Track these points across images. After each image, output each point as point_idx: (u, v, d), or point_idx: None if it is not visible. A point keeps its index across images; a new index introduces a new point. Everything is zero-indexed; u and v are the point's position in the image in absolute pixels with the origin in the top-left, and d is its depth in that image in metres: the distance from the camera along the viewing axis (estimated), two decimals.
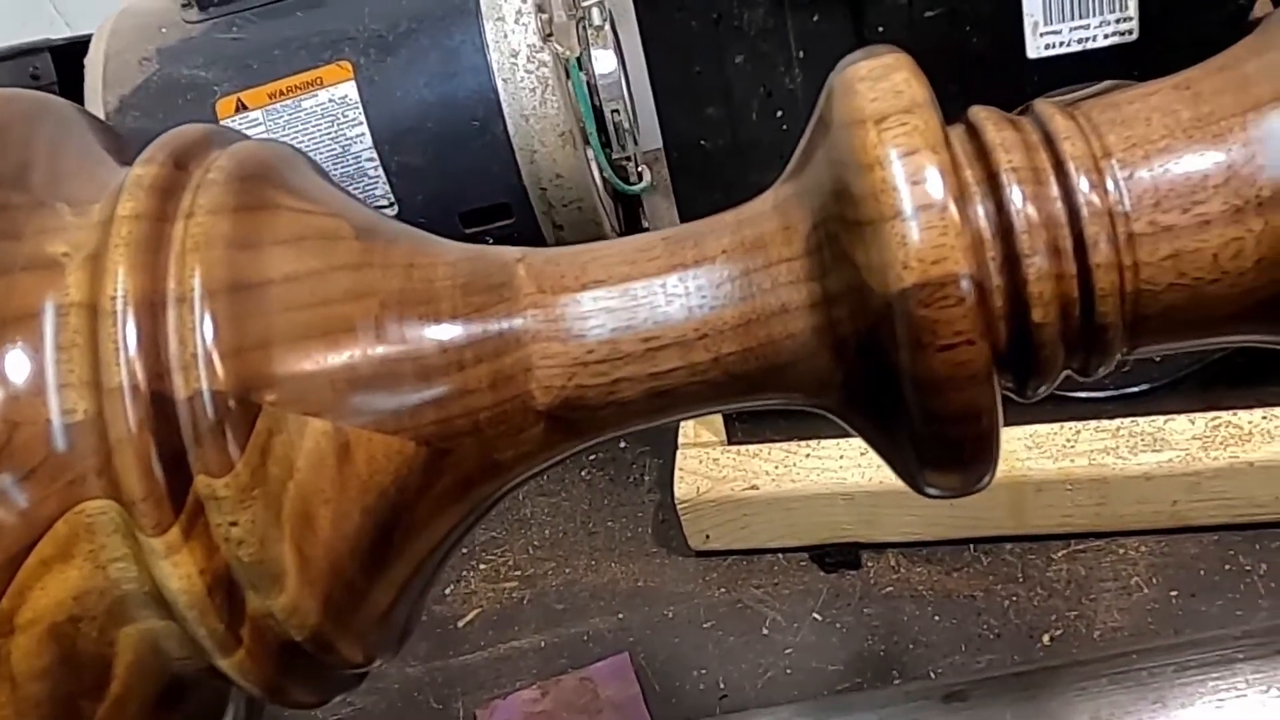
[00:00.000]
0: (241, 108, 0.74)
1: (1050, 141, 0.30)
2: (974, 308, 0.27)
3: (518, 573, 0.74)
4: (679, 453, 0.70)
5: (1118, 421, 0.64)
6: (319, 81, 0.74)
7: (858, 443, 0.63)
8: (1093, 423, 0.64)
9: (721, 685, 0.66)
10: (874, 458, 0.65)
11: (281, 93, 0.74)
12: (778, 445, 0.68)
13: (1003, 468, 0.63)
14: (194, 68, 0.75)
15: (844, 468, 0.66)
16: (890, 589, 0.68)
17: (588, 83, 0.75)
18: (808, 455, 0.67)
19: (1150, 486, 0.63)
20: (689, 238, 0.31)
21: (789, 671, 0.65)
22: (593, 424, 0.32)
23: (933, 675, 0.63)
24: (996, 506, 0.65)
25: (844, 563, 0.69)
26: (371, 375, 0.30)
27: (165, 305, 0.28)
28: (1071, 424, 0.65)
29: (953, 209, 0.27)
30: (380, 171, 0.74)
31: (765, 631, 0.67)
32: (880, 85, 0.29)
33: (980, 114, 0.31)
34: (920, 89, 0.29)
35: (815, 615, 0.68)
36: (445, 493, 0.31)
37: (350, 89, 0.74)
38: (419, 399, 0.30)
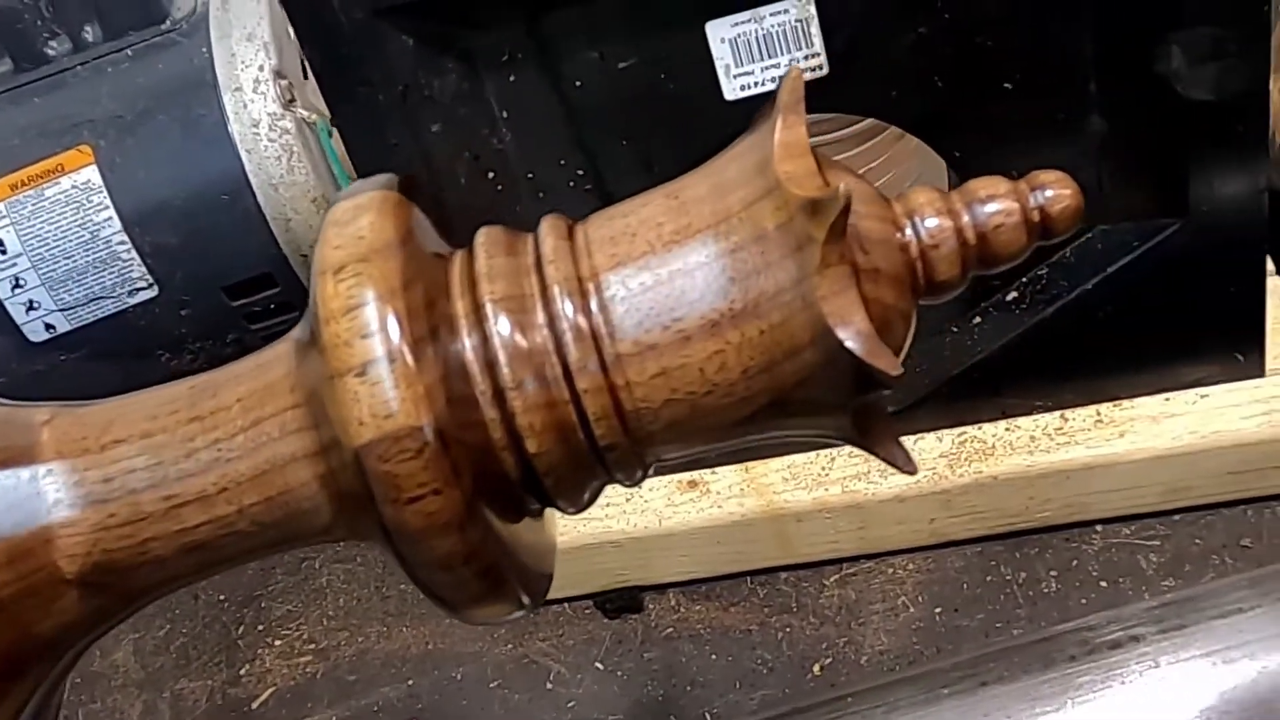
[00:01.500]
0: None
1: (540, 265, 0.29)
2: (435, 457, 0.27)
3: (311, 646, 0.74)
4: None
5: None
6: (60, 168, 0.72)
7: (622, 491, 0.63)
8: (846, 449, 0.64)
9: None
10: (640, 503, 0.65)
11: (23, 183, 0.73)
12: None
13: (761, 501, 0.63)
14: None
15: (609, 515, 0.66)
16: (670, 630, 0.68)
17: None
18: None
19: (905, 508, 0.63)
20: (210, 386, 0.31)
21: None
22: (133, 585, 0.31)
23: (708, 717, 0.63)
24: (762, 540, 0.66)
25: (625, 607, 0.69)
26: None
27: None
28: (827, 451, 0.65)
29: (407, 359, 0.27)
30: (134, 254, 0.73)
31: (549, 685, 0.67)
32: (346, 230, 0.28)
33: (481, 238, 0.31)
34: (384, 232, 0.28)
35: (598, 664, 0.67)
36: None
37: (93, 173, 0.72)
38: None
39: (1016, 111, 0.56)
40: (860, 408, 0.30)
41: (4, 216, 0.73)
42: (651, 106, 0.58)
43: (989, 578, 0.65)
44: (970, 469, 0.62)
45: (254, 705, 0.71)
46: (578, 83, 0.57)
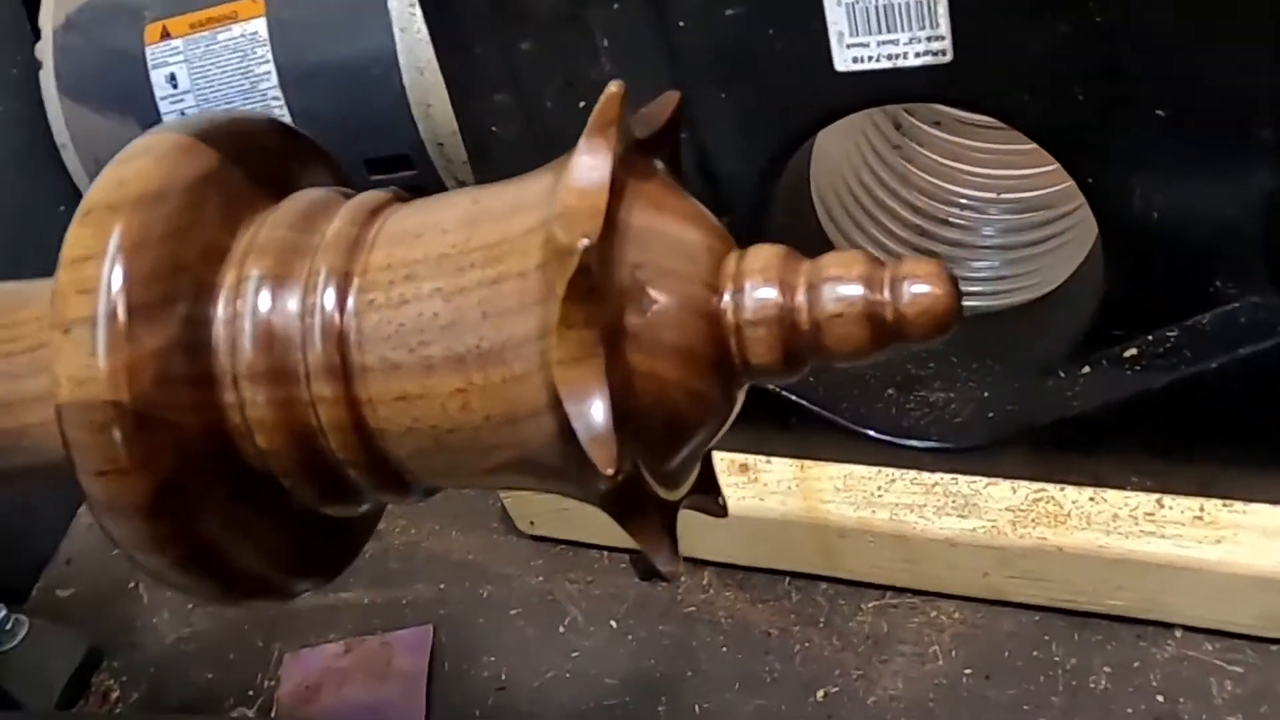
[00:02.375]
0: (165, 35, 0.76)
1: (322, 248, 0.26)
2: (128, 436, 0.25)
3: None
4: None
5: (936, 477, 0.58)
6: (234, 15, 0.74)
7: None
8: (911, 473, 0.58)
9: (503, 677, 0.65)
10: None
11: (201, 23, 0.75)
12: None
13: (806, 506, 0.59)
14: None
15: None
16: (693, 609, 0.65)
17: None
18: None
19: (956, 553, 0.57)
20: (22, 295, 0.30)
21: (568, 676, 0.64)
22: None
23: (696, 710, 0.60)
24: (803, 544, 0.61)
25: (656, 573, 0.66)
26: None
27: None
28: (890, 471, 0.59)
29: (119, 324, 0.25)
30: (286, 112, 0.74)
31: (561, 629, 0.66)
32: (115, 171, 0.26)
33: (284, 205, 0.28)
34: (150, 181, 0.26)
35: (613, 622, 0.65)
36: None
37: (261, 25, 0.74)
38: None
39: (1166, 145, 0.47)
40: (621, 490, 0.25)
41: (180, 53, 0.75)
42: (755, 62, 0.52)
43: (1035, 652, 0.58)
44: (1034, 532, 0.55)
45: None
46: (681, 23, 0.53)
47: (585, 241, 0.22)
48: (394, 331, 0.25)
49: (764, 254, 0.26)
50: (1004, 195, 0.69)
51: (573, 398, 0.23)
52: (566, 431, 0.23)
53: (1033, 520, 0.55)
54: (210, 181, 0.27)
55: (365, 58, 0.72)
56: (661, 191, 0.26)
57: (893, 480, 0.59)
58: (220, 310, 0.26)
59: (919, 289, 0.24)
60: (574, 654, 0.64)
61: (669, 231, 0.25)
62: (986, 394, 0.58)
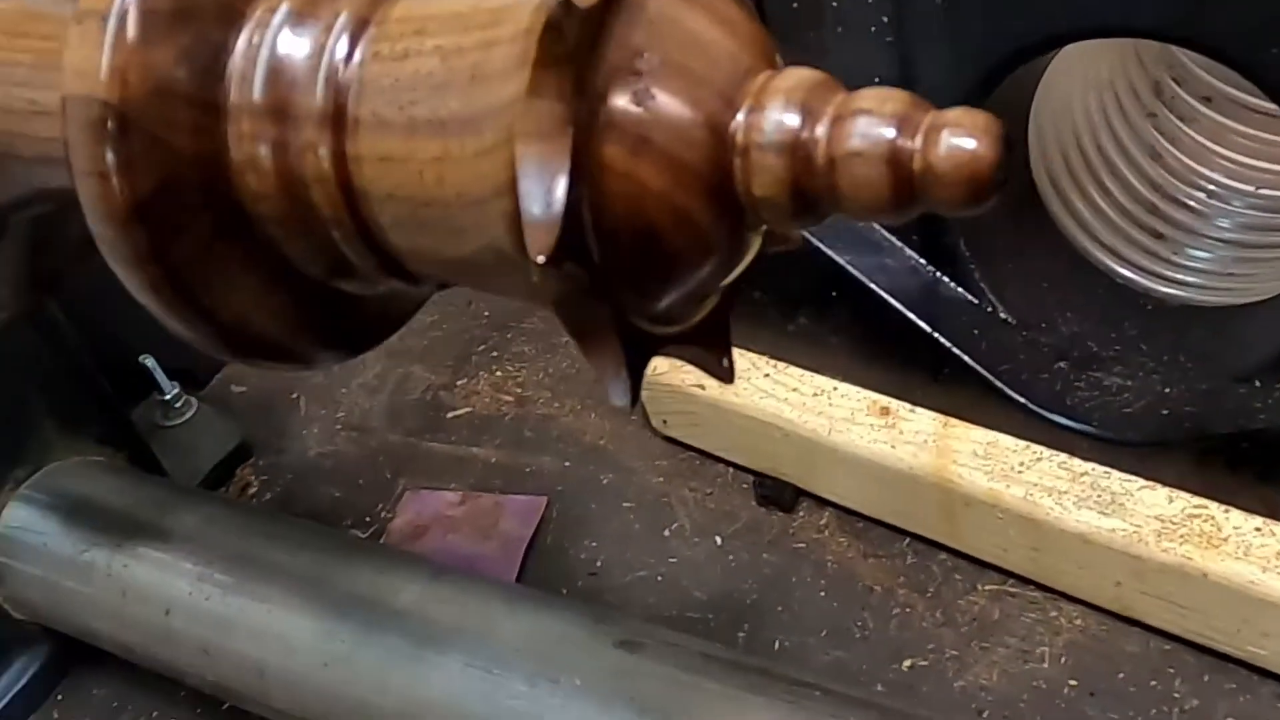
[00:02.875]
0: None
1: None
2: (114, 138, 0.24)
3: (518, 391, 0.75)
4: None
5: (1088, 466, 0.52)
6: None
7: (808, 384, 0.57)
8: (1061, 456, 0.53)
9: (598, 564, 0.64)
10: (822, 402, 0.58)
11: None
12: (748, 354, 0.62)
13: (936, 464, 0.55)
14: None
15: (787, 401, 0.60)
16: (801, 545, 0.61)
17: None
18: (766, 375, 0.61)
19: (1088, 552, 0.51)
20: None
21: (659, 579, 0.62)
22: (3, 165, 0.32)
23: (775, 646, 0.57)
24: (928, 504, 0.57)
25: (775, 501, 0.63)
26: None
27: None
28: (1038, 448, 0.54)
29: (129, 25, 0.24)
30: None
31: (667, 534, 0.64)
32: None
33: None
34: None
35: (718, 538, 0.63)
36: None
37: None
38: None
39: None
40: (575, 298, 0.22)
41: None
42: None
43: (1154, 682, 0.51)
44: (1180, 549, 0.49)
45: (448, 415, 0.75)
46: None
47: (579, 3, 0.20)
48: (389, 85, 0.24)
49: (797, 76, 0.22)
50: (1262, 190, 0.61)
51: (528, 173, 0.21)
52: (517, 218, 0.21)
53: (1182, 536, 0.49)
54: None
55: None
56: None
57: (1038, 458, 0.53)
58: (241, 40, 0.25)
59: (958, 141, 0.21)
60: (671, 559, 0.63)
61: (693, 27, 0.22)
62: (1167, 389, 0.52)
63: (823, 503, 0.63)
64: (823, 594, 0.59)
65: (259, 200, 0.25)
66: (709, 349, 0.27)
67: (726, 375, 0.28)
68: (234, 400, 0.81)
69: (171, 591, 0.54)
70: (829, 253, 0.56)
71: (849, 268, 0.56)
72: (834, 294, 0.56)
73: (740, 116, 0.22)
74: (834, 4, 0.52)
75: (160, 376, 0.78)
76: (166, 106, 0.24)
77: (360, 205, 0.25)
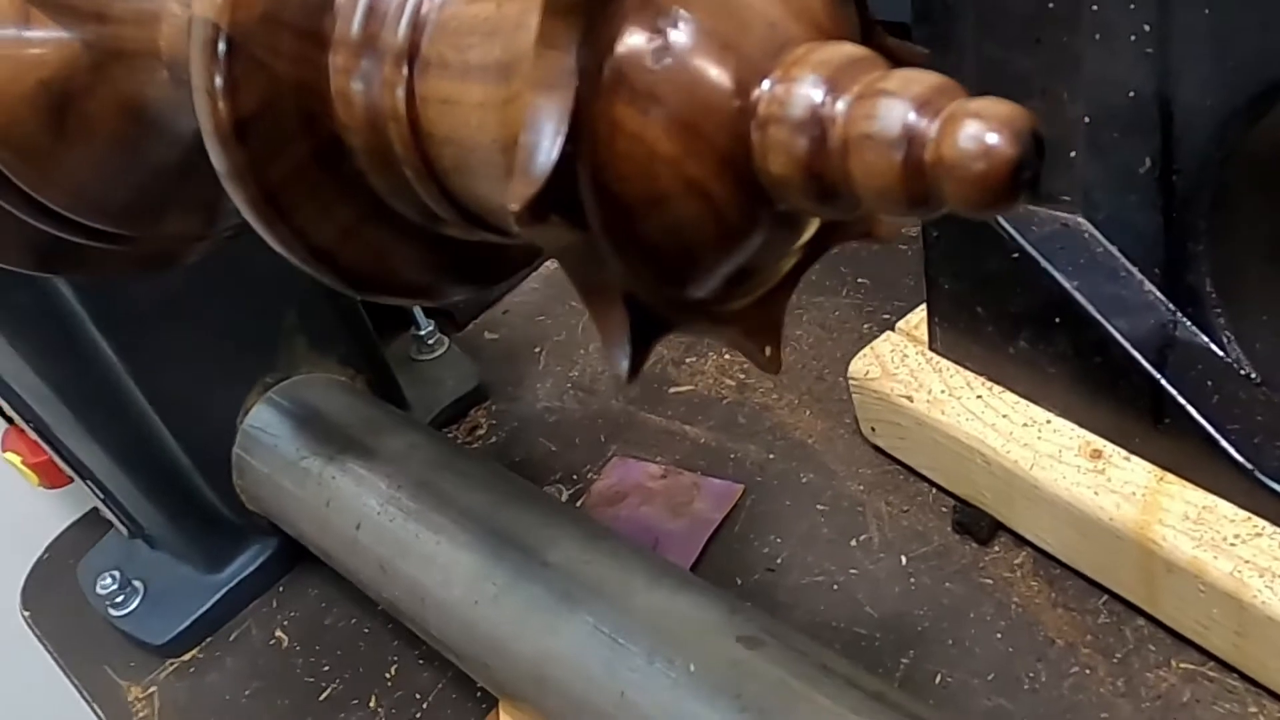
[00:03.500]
0: None
1: None
2: (225, 62, 0.26)
3: (741, 377, 0.75)
4: (884, 333, 0.64)
5: None
6: None
7: (1033, 412, 0.54)
8: None
9: (778, 561, 0.63)
10: (1029, 434, 0.55)
11: None
12: (963, 371, 0.59)
13: (1140, 519, 0.51)
14: None
15: (994, 426, 0.56)
16: (989, 582, 0.58)
17: None
18: (978, 397, 0.58)
19: None
20: None
21: (835, 589, 0.60)
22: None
23: (936, 680, 0.54)
24: (1127, 562, 0.52)
25: (971, 530, 0.59)
26: None
27: None
28: (1261, 522, 0.48)
29: None
30: None
31: (853, 544, 0.62)
32: None
33: None
34: None
35: (904, 558, 0.60)
36: (106, 103, 0.37)
37: None
38: (87, 9, 0.36)
39: None
40: (579, 254, 0.22)
41: None
42: None
43: None
44: None
45: (669, 390, 0.76)
46: None
47: None
48: (454, 28, 0.24)
49: (838, 50, 0.21)
50: None
51: (528, 124, 0.20)
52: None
53: None
54: None
55: None
56: None
57: (1257, 532, 0.48)
58: None
59: (976, 132, 0.18)
60: (852, 570, 0.61)
61: None
62: None
63: (1021, 541, 0.58)
64: (999, 636, 0.55)
65: (349, 133, 0.26)
66: (751, 336, 0.26)
67: (770, 365, 0.27)
68: (484, 346, 0.86)
69: (363, 507, 0.58)
70: (1056, 275, 0.52)
71: (1076, 294, 0.51)
72: (1057, 320, 0.52)
73: (766, 85, 0.21)
74: (1094, 7, 0.48)
75: (419, 314, 0.83)
76: (273, 34, 0.26)
77: (427, 147, 0.25)
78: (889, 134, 0.19)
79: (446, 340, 0.83)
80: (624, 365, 0.23)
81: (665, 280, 0.23)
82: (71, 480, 0.75)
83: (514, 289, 0.90)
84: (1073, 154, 0.50)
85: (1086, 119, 0.49)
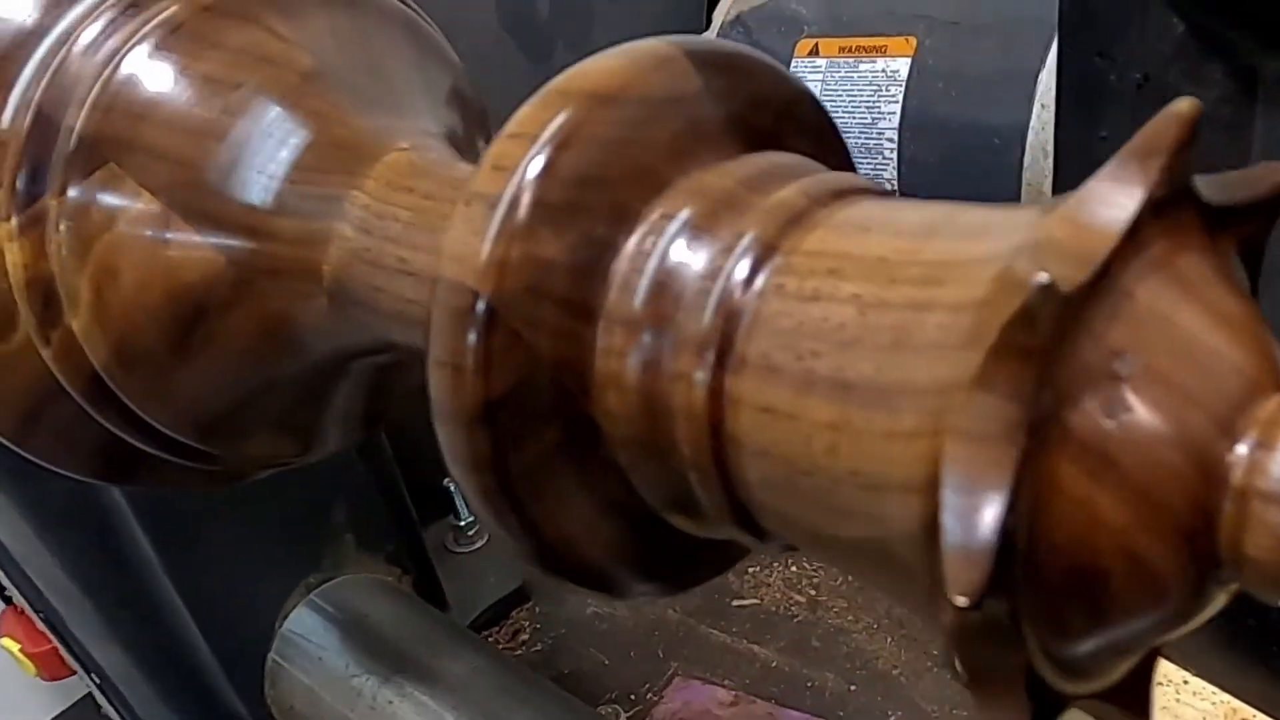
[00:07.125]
0: (815, 52, 0.76)
1: (754, 205, 0.22)
2: (480, 330, 0.22)
3: (811, 593, 0.70)
4: None
5: None
6: (883, 49, 0.73)
7: (1166, 668, 0.49)
8: None
9: None
10: (1170, 693, 0.50)
11: (849, 49, 0.74)
12: None
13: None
14: (799, 4, 0.78)
15: None
16: None
17: None
18: None
19: None
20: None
21: None
22: (361, 314, 0.31)
23: None
24: None
25: None
26: (211, 181, 0.32)
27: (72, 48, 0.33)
28: None
29: (519, 211, 0.22)
30: (894, 155, 0.71)
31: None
32: (588, 62, 0.24)
33: (764, 160, 0.24)
34: (614, 79, 0.23)
35: None
36: (245, 320, 0.33)
37: (904, 65, 0.71)
38: (240, 223, 0.32)
39: None
40: (983, 637, 0.18)
41: (821, 72, 0.75)
42: None
43: None
44: None
45: (733, 603, 0.71)
46: None
47: (1045, 277, 0.16)
48: (789, 328, 0.20)
49: None
50: None
51: (956, 483, 0.16)
52: (931, 525, 0.17)
53: None
54: (677, 104, 0.23)
55: (994, 124, 0.67)
56: (1206, 276, 0.18)
57: None
58: (630, 243, 0.22)
59: None
60: None
61: (1190, 329, 0.18)
62: None
63: None
64: None
65: (614, 421, 0.23)
66: (1125, 710, 0.22)
67: None
68: None
69: None
70: None
71: None
72: None
73: (1242, 449, 0.17)
74: None
75: (460, 501, 0.78)
76: (538, 305, 0.22)
77: (728, 452, 0.21)
78: None
79: (487, 533, 0.79)
80: None
81: (1067, 653, 0.19)
82: (73, 673, 0.68)
83: None
84: None
85: None
